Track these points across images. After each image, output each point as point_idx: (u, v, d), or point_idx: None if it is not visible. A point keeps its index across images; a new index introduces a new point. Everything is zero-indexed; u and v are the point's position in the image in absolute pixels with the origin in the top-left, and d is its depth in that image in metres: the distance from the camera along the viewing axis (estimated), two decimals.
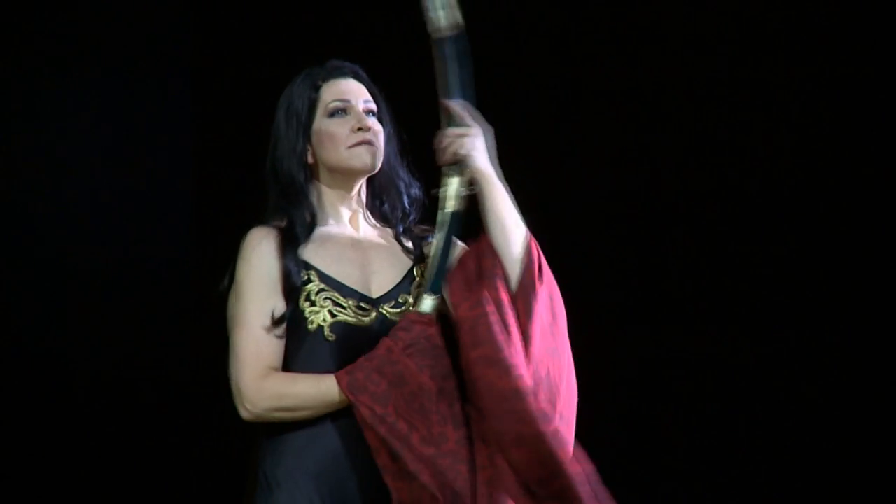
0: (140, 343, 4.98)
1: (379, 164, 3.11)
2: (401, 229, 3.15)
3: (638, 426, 4.84)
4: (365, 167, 3.09)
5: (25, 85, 4.81)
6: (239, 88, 5.10)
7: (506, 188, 3.04)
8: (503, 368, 2.91)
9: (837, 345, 4.64)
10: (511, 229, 3.02)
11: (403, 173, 3.16)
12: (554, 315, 3.04)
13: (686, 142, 4.79)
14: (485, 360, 2.92)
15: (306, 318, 2.99)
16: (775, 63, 4.70)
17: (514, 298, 2.99)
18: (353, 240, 3.10)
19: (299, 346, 2.99)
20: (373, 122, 3.10)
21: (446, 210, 3.05)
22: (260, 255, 3.01)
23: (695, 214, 4.78)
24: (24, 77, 4.80)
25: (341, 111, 3.09)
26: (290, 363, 3.00)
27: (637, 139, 4.85)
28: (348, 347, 2.98)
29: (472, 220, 3.05)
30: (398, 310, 3.04)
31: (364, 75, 3.14)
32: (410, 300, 3.06)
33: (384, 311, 3.03)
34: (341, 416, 2.96)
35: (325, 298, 3.00)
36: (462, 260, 3.04)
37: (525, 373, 2.92)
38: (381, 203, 3.16)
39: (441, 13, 3.06)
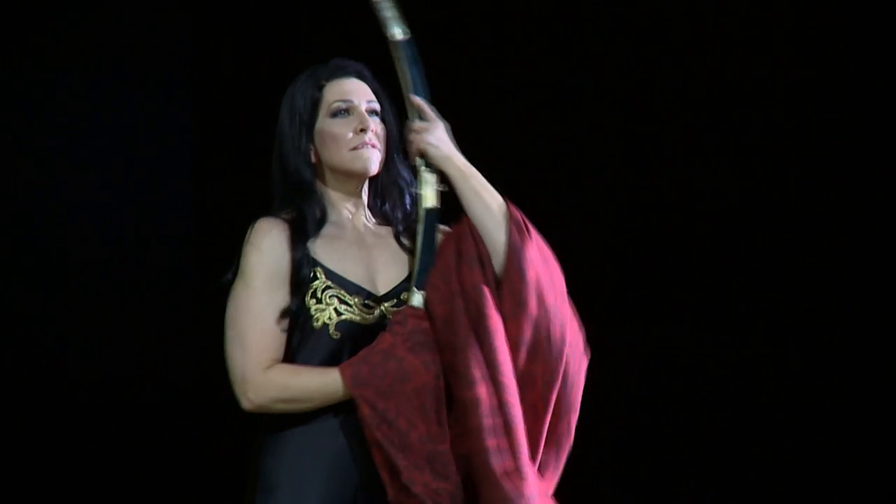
0: (140, 343, 4.98)
1: (378, 168, 3.10)
2: (401, 228, 3.15)
3: (638, 426, 4.84)
4: (365, 171, 3.09)
5: (26, 85, 4.81)
6: (239, 89, 5.10)
7: (475, 167, 3.06)
8: (462, 378, 2.92)
9: (837, 345, 4.65)
10: (488, 201, 3.01)
11: (405, 173, 3.15)
12: (546, 261, 3.04)
13: (686, 141, 4.79)
14: (448, 366, 2.95)
15: (312, 316, 2.99)
16: (775, 63, 4.70)
17: (500, 277, 2.97)
18: (357, 238, 3.10)
19: (303, 342, 2.99)
20: (376, 122, 3.09)
21: (423, 206, 3.06)
22: (271, 244, 2.99)
23: (695, 214, 4.78)
24: (24, 77, 4.80)
25: (344, 111, 3.08)
26: (293, 359, 2.99)
27: (637, 139, 4.85)
28: (352, 346, 2.98)
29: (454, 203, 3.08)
30: (399, 308, 3.03)
31: (368, 74, 3.13)
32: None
33: (385, 309, 3.03)
34: (342, 414, 2.96)
35: (331, 296, 3.00)
36: (441, 247, 3.04)
37: (482, 382, 2.92)
38: (382, 202, 3.16)
39: (392, 22, 3.11)
